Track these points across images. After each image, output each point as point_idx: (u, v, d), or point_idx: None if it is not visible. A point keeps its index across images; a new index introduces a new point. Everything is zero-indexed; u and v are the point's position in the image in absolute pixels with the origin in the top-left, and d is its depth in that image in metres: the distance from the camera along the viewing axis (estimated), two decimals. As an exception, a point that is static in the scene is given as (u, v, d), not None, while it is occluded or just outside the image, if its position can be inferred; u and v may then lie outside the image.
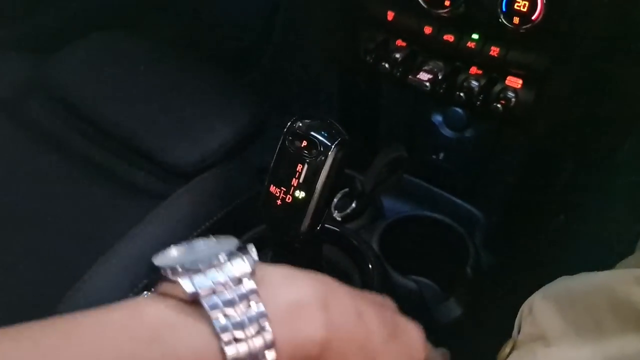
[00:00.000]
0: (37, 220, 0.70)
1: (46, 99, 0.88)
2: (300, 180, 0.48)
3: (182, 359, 0.26)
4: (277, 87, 1.05)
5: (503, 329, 0.65)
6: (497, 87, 0.60)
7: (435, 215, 0.73)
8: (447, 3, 0.56)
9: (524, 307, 0.38)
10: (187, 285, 0.28)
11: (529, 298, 0.40)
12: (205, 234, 0.65)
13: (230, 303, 0.28)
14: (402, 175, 0.77)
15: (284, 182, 0.49)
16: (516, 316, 0.44)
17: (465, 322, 0.65)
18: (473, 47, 0.59)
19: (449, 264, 0.71)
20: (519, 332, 0.38)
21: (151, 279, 0.57)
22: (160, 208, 0.65)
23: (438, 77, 0.63)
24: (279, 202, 0.49)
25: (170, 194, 0.70)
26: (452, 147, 0.78)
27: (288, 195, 0.49)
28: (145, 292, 0.50)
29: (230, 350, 0.27)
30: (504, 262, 0.74)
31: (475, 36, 0.59)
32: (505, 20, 0.54)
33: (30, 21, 1.01)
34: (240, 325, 0.27)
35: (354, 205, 0.75)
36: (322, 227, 0.53)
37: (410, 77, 0.63)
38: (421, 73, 0.63)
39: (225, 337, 0.27)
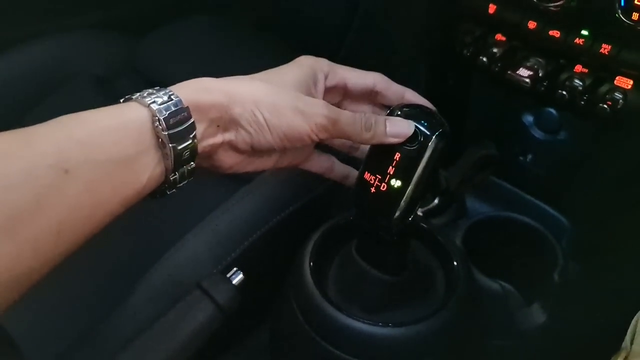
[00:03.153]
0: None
1: (136, 78, 0.91)
2: (397, 169, 0.48)
3: (130, 122, 0.39)
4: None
5: (587, 338, 0.62)
6: (604, 87, 0.57)
7: (522, 217, 0.71)
8: (558, -4, 0.54)
9: (639, 318, 0.36)
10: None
11: None
12: (289, 217, 0.65)
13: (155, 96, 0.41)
14: (490, 175, 0.74)
15: (380, 170, 0.48)
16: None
17: (550, 329, 0.62)
18: (581, 43, 0.56)
19: (533, 269, 0.69)
20: (631, 342, 0.36)
21: (236, 257, 0.57)
22: (245, 190, 0.65)
23: (539, 74, 0.60)
24: (372, 189, 0.49)
25: (254, 177, 0.70)
26: (542, 150, 0.75)
27: (383, 184, 0.48)
28: (235, 269, 0.50)
29: (154, 106, 0.40)
30: (590, 271, 0.71)
31: (584, 32, 0.56)
32: (622, 16, 0.51)
33: (127, 4, 1.05)
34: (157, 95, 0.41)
35: (436, 201, 0.73)
36: (412, 222, 0.52)
37: (509, 72, 0.61)
38: (521, 69, 0.60)
39: (154, 106, 0.40)
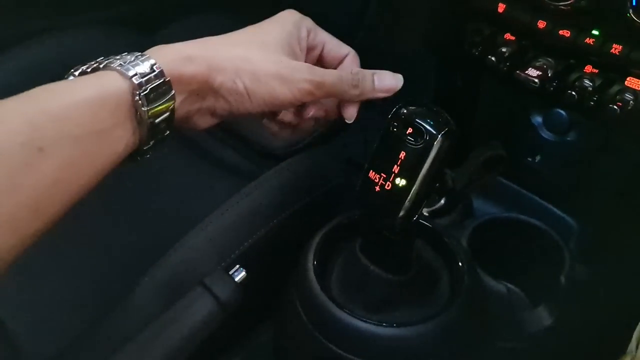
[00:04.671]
0: (127, 190, 0.72)
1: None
2: (402, 168, 0.47)
3: (108, 95, 0.39)
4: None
5: (593, 341, 0.61)
6: (615, 88, 0.56)
7: (529, 218, 0.70)
8: (569, -5, 0.53)
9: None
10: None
11: None
12: (293, 216, 0.65)
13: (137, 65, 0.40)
14: (498, 176, 0.74)
15: (385, 168, 0.48)
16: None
17: (556, 332, 0.62)
18: (591, 43, 0.55)
19: (540, 271, 0.68)
20: (637, 347, 0.35)
21: (240, 254, 0.57)
22: (250, 186, 0.65)
23: (548, 74, 0.60)
24: (377, 188, 0.48)
25: (259, 175, 0.70)
26: (550, 151, 0.75)
27: (388, 182, 0.48)
28: (237, 266, 0.50)
29: (136, 79, 0.39)
30: (598, 274, 0.70)
31: (595, 32, 0.55)
32: (634, 15, 0.50)
33: (134, 2, 1.05)
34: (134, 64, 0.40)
35: (442, 201, 0.73)
36: (417, 222, 0.52)
37: (518, 72, 0.60)
38: (530, 69, 0.60)
39: (136, 79, 0.39)
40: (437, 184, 0.74)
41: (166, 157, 0.77)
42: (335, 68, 0.52)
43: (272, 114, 0.51)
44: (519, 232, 0.70)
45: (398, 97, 0.96)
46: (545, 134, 0.74)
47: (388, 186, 0.48)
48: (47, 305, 0.58)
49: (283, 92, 0.45)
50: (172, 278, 0.54)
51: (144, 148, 0.41)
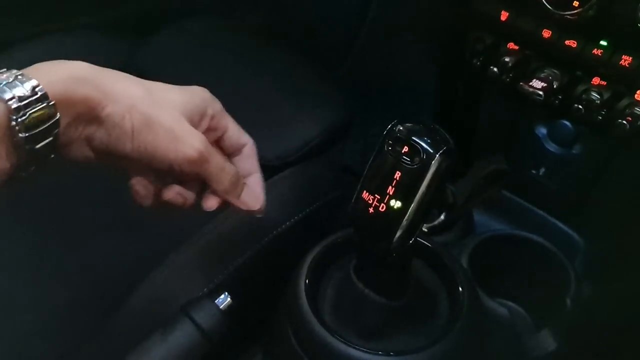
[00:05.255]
0: (117, 202, 0.69)
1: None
2: (397, 189, 0.44)
3: None
4: (365, 87, 1.01)
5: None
6: (624, 102, 0.54)
7: (533, 236, 0.67)
8: (575, 4, 0.50)
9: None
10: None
11: None
12: (285, 234, 0.62)
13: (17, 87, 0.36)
14: (500, 191, 0.71)
15: (379, 190, 0.45)
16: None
17: (559, 358, 0.59)
18: (599, 54, 0.53)
19: (544, 291, 0.65)
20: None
21: (226, 277, 0.54)
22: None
23: (553, 86, 0.57)
24: (371, 210, 0.45)
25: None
26: (555, 163, 0.72)
27: (382, 204, 0.45)
28: (224, 293, 0.47)
29: (13, 103, 0.35)
30: (605, 294, 0.67)
31: (603, 43, 0.52)
32: (645, 26, 0.47)
33: (127, 5, 1.03)
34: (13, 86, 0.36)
35: (442, 217, 0.70)
36: (415, 241, 0.49)
37: (521, 84, 0.57)
38: (534, 81, 0.57)
39: (13, 103, 0.35)
40: (436, 201, 0.72)
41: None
42: (231, 156, 0.50)
43: (142, 170, 0.46)
44: (522, 250, 0.68)
45: (398, 109, 0.94)
46: (550, 145, 0.71)
47: (382, 208, 0.45)
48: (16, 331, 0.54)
49: (168, 148, 0.41)
50: (154, 302, 0.51)
51: (22, 174, 0.37)
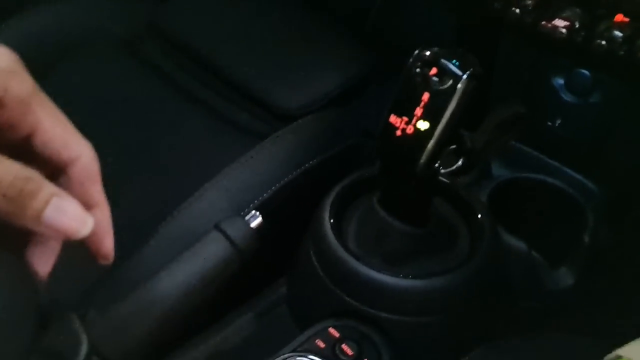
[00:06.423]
0: (143, 147, 0.71)
1: (161, 42, 0.89)
2: (426, 110, 0.46)
3: None
4: (383, 48, 1.02)
5: (615, 304, 0.60)
6: (646, 38, 0.54)
7: (549, 179, 0.68)
8: (599, -62, 0.51)
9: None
10: None
11: None
12: (308, 172, 0.63)
13: None
14: (519, 135, 0.72)
15: (407, 111, 0.46)
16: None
17: (576, 293, 0.60)
18: (622, -10, 0.53)
19: (560, 234, 0.66)
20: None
21: (256, 207, 0.56)
22: (266, 142, 0.64)
23: (575, 25, 0.58)
24: (398, 132, 0.47)
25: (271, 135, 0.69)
26: (571, 114, 0.72)
27: (409, 126, 0.46)
28: (254, 212, 0.49)
29: None
30: (619, 239, 0.68)
31: (626, -22, 0.53)
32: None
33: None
34: None
35: (460, 163, 0.71)
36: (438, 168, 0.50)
37: (543, 23, 0.58)
38: (556, 20, 0.58)
39: None
40: (455, 146, 0.73)
41: (181, 121, 0.77)
42: (54, 175, 0.30)
43: None
44: (538, 194, 0.69)
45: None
46: (567, 96, 0.72)
47: (410, 130, 0.46)
48: (60, 256, 0.56)
49: None
50: (187, 228, 0.53)
51: None
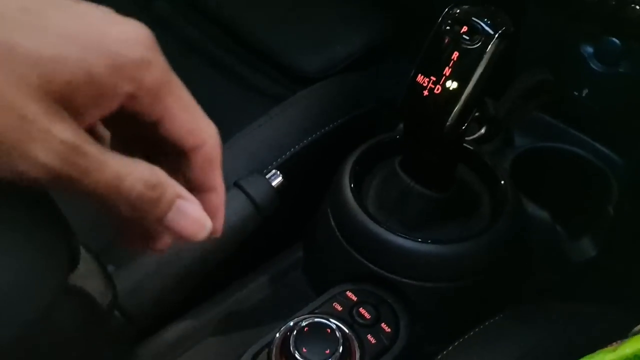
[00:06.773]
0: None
1: (185, 7, 0.88)
2: (455, 70, 0.44)
3: None
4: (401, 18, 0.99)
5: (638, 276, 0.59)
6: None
7: (574, 148, 0.67)
8: None
9: None
10: None
11: None
12: (324, 138, 0.62)
13: None
14: (543, 103, 0.70)
15: (435, 71, 0.45)
16: None
17: (599, 264, 0.59)
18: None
19: (584, 203, 0.65)
20: None
21: (276, 166, 0.55)
22: (285, 104, 0.63)
23: (608, -12, 0.56)
24: (425, 92, 0.45)
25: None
26: (599, 83, 0.71)
27: (437, 86, 0.45)
28: (275, 171, 0.48)
29: None
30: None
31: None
32: None
33: None
34: None
35: (483, 131, 0.69)
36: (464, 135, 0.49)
37: (576, -15, 0.56)
38: (590, -18, 0.56)
39: None
40: (478, 114, 0.72)
41: (200, 83, 0.75)
42: (172, 161, 0.30)
43: None
44: (561, 163, 0.67)
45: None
46: (595, 65, 0.70)
47: (437, 90, 0.45)
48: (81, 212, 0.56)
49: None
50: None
51: None
